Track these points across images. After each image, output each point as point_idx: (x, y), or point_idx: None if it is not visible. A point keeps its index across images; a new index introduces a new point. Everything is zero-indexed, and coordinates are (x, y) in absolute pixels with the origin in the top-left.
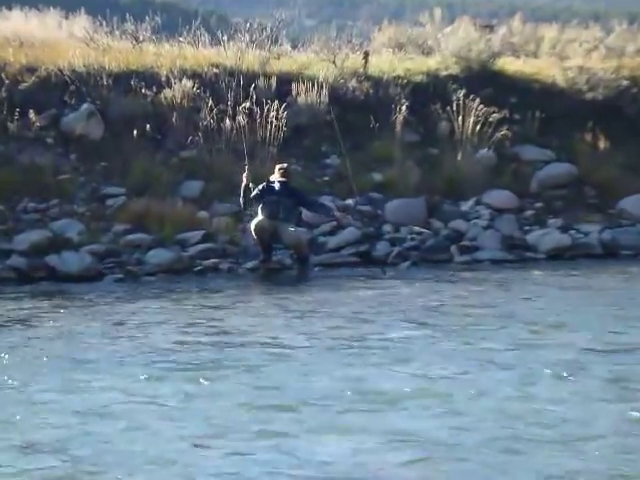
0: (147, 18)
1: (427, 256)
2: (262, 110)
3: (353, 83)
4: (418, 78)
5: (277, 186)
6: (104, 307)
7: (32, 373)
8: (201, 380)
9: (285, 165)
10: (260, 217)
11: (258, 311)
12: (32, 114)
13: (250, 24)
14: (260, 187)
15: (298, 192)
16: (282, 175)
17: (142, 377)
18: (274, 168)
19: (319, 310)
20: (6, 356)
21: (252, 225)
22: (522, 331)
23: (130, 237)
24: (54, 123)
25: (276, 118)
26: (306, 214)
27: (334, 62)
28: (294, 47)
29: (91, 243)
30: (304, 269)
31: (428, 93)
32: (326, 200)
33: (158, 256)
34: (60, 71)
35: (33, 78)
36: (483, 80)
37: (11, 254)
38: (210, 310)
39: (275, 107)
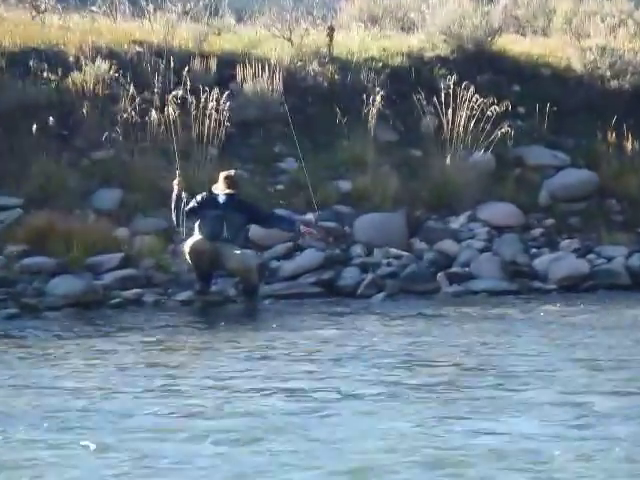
0: None
1: (407, 286)
2: (198, 100)
3: (314, 66)
4: (397, 61)
5: (222, 198)
6: None
7: None
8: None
9: (232, 172)
10: (197, 236)
11: (190, 357)
12: None
13: None
14: (199, 198)
15: (250, 205)
16: (229, 185)
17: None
18: (215, 174)
19: (269, 354)
20: None
21: (186, 247)
22: (524, 386)
23: (27, 261)
24: None
25: (216, 110)
26: (255, 232)
27: (290, 40)
28: (239, 20)
29: None
30: (252, 302)
31: (409, 80)
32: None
33: (63, 285)
34: None
35: None
36: (479, 64)
37: None
38: (128, 356)
39: (215, 96)
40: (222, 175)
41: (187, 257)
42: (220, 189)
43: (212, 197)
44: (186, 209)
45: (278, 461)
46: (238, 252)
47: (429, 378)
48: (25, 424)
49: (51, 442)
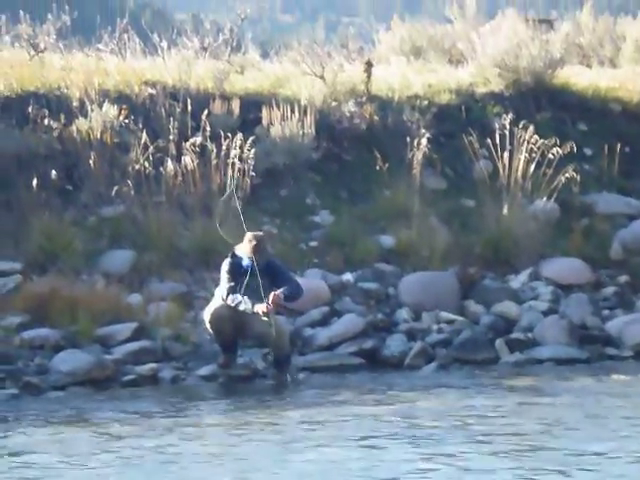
0: (51, 16)
1: (461, 355)
2: (219, 147)
3: (350, 106)
4: (444, 98)
5: (246, 262)
6: None
7: None
8: None
9: (258, 236)
10: (218, 302)
11: (217, 451)
12: None
13: (200, 23)
14: (227, 268)
15: (276, 268)
16: (254, 250)
17: None
18: (239, 231)
19: (308, 438)
20: None
21: (207, 314)
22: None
23: (28, 334)
24: None
25: (240, 158)
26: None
27: (323, 77)
28: (264, 56)
29: None
30: (284, 375)
31: (459, 119)
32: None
33: (69, 361)
34: None
35: None
36: (538, 100)
37: None
38: (141, 443)
39: (238, 142)
40: (247, 236)
41: (208, 326)
42: (244, 251)
43: (236, 262)
44: (227, 287)
45: None
46: (266, 318)
47: (496, 461)
48: None
49: None
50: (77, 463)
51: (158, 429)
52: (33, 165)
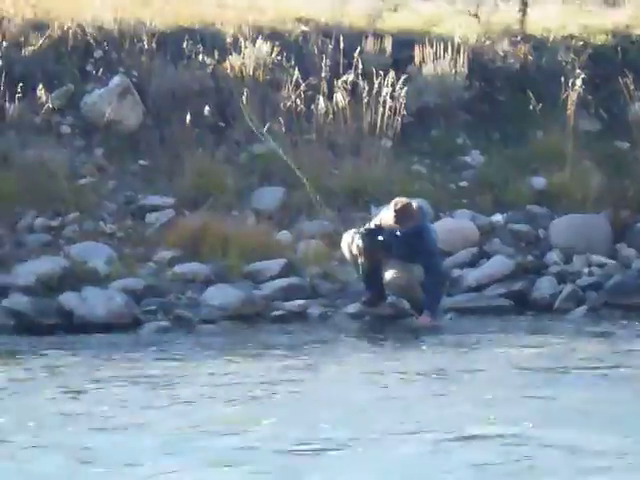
0: None
1: (612, 299)
2: (371, 85)
3: (504, 46)
4: (600, 39)
5: (398, 233)
6: (141, 371)
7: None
8: None
9: (401, 206)
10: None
11: (358, 390)
12: (40, 91)
13: None
14: (379, 216)
15: (421, 240)
16: (395, 220)
17: None
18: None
19: (456, 381)
20: None
21: (345, 240)
22: None
23: (180, 268)
24: (71, 104)
25: (391, 97)
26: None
27: (477, 15)
28: None
29: (124, 276)
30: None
31: (615, 61)
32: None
33: (220, 296)
34: (81, 29)
35: (42, 40)
36: None
37: (9, 292)
38: (286, 374)
39: (390, 81)
40: (392, 204)
41: (345, 251)
42: (388, 220)
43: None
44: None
45: None
46: (400, 267)
47: None
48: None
49: None
50: (231, 397)
51: (298, 365)
52: (187, 101)
